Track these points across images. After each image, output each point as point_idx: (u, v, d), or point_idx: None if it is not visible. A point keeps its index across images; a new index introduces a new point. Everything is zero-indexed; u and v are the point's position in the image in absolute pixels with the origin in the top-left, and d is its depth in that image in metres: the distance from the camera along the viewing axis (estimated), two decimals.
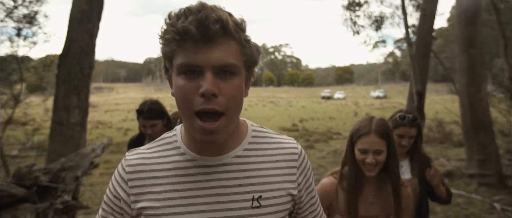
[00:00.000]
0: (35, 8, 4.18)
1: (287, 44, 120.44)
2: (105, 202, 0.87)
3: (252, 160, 0.85)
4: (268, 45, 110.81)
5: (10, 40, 4.22)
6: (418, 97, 6.86)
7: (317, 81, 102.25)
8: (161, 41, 0.73)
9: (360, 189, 1.52)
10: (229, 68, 0.72)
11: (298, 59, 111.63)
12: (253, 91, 65.92)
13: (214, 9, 0.70)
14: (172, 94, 0.78)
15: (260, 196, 0.82)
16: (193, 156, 0.82)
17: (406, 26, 8.07)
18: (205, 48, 0.69)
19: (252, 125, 0.89)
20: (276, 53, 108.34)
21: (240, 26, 0.73)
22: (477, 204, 5.08)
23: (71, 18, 4.02)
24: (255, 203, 0.81)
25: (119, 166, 0.86)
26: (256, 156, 0.85)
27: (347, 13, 9.02)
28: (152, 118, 2.34)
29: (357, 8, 10.31)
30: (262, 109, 27.81)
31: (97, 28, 4.17)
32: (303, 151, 0.91)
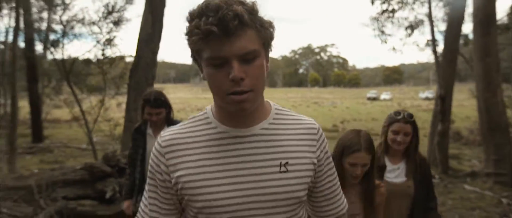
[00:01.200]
0: (114, 34, 5.38)
1: (333, 45, 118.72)
2: (150, 178, 0.98)
3: (277, 132, 0.94)
4: (314, 45, 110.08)
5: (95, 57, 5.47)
6: (441, 101, 7.39)
7: (364, 82, 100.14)
8: (187, 39, 0.83)
9: (344, 191, 1.88)
10: (251, 54, 0.81)
11: (344, 60, 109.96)
12: (298, 92, 65.98)
13: (230, 3, 0.78)
14: (203, 79, 0.89)
15: (287, 162, 0.91)
16: (224, 128, 0.92)
17: (433, 34, 8.57)
18: (228, 42, 0.78)
19: (274, 105, 1.00)
20: (322, 54, 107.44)
21: (253, 13, 0.82)
22: (486, 199, 5.59)
23: (139, 40, 5.17)
24: (283, 169, 0.90)
25: (156, 144, 0.96)
26: (280, 129, 0.95)
27: (375, 24, 9.58)
28: (158, 106, 2.58)
29: (391, 14, 10.82)
30: (305, 110, 28.20)
31: (158, 47, 5.29)
32: (321, 129, 1.01)
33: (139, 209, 1.03)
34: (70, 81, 5.07)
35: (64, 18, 5.00)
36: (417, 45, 10.64)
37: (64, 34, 5.08)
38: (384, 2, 10.49)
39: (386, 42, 9.47)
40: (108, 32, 5.33)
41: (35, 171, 5.58)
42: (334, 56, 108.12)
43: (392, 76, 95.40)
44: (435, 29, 8.55)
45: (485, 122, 6.38)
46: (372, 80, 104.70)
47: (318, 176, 0.99)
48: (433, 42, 8.26)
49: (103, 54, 5.28)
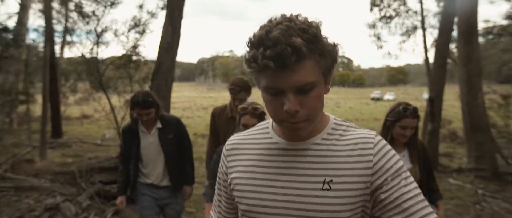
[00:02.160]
0: (139, 42, 6.15)
1: (337, 44, 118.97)
2: (218, 177, 1.07)
3: (328, 147, 0.91)
4: None
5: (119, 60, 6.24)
6: (430, 103, 8.08)
7: (369, 82, 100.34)
8: (246, 66, 0.83)
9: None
10: (307, 86, 0.80)
11: (349, 60, 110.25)
12: None
13: (289, 34, 0.75)
14: (262, 97, 0.88)
15: (331, 180, 0.86)
16: (278, 140, 0.95)
17: (425, 41, 9.25)
18: (284, 75, 0.77)
19: (334, 119, 0.97)
20: None
21: (315, 41, 0.78)
22: (465, 191, 6.27)
23: (160, 48, 5.94)
24: (326, 186, 0.86)
25: (224, 147, 1.05)
26: (332, 144, 0.91)
27: (371, 31, 10.29)
28: (147, 107, 2.60)
29: (388, 20, 11.52)
30: None
31: (176, 53, 6.05)
32: (383, 141, 0.91)
33: (213, 203, 1.13)
34: (102, 84, 5.83)
35: (99, 29, 5.78)
36: (413, 50, 11.34)
37: (98, 42, 5.86)
38: (381, 10, 11.21)
39: (381, 47, 10.15)
40: (134, 41, 6.11)
41: (69, 161, 6.36)
42: (339, 56, 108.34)
43: (397, 76, 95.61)
44: (429, 35, 9.23)
45: (467, 122, 7.08)
46: (377, 80, 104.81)
47: (381, 192, 0.85)
48: (424, 48, 8.95)
49: (129, 60, 6.04)
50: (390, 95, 47.98)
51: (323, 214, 0.85)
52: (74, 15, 6.27)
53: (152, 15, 6.11)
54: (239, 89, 2.96)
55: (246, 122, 2.08)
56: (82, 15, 5.93)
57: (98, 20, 5.80)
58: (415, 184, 0.87)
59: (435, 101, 8.13)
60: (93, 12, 5.93)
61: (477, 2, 6.77)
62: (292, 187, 0.88)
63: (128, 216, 4.19)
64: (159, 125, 2.73)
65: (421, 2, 8.98)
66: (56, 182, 4.57)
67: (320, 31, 0.80)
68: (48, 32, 9.58)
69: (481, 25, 7.83)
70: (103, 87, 5.90)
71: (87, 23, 5.93)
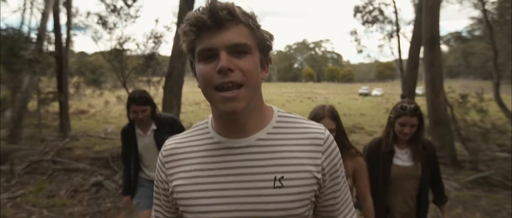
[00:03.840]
0: (155, 51, 7.23)
1: (328, 40, 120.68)
2: (155, 186, 1.00)
3: (275, 142, 0.88)
4: (309, 40, 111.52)
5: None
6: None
7: (358, 77, 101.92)
8: (183, 38, 0.84)
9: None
10: (241, 47, 0.80)
11: (338, 55, 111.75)
12: (292, 87, 67.43)
13: (226, 1, 0.81)
14: (198, 87, 0.86)
15: (282, 177, 0.84)
16: (219, 139, 0.89)
17: (399, 47, 10.51)
18: (218, 33, 0.79)
19: (278, 111, 0.94)
20: (317, 49, 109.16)
21: (247, 14, 0.83)
22: None
23: (172, 55, 7.04)
24: (277, 183, 0.84)
25: (159, 154, 0.98)
26: (279, 139, 0.88)
27: (353, 37, 11.52)
28: (142, 103, 2.63)
29: (370, 25, 12.76)
30: (299, 105, 29.63)
31: (186, 59, 7.19)
32: (331, 137, 0.91)
33: (152, 214, 1.06)
34: (126, 84, 6.88)
35: (121, 40, 6.83)
36: (392, 52, 12.61)
37: (122, 50, 6.92)
38: (363, 16, 12.46)
39: (361, 51, 11.37)
40: (151, 50, 7.19)
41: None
42: (329, 52, 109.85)
43: (385, 72, 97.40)
44: (405, 40, 10.43)
45: (431, 117, 8.35)
46: (366, 76, 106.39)
47: (322, 190, 0.89)
48: (398, 53, 10.20)
49: (147, 66, 7.11)
50: (377, 91, 48.48)
51: (276, 213, 0.83)
52: (95, 25, 7.28)
53: (168, 29, 7.21)
54: None
55: None
56: (105, 26, 6.98)
57: (122, 31, 6.89)
58: (346, 184, 0.95)
59: (407, 99, 9.39)
60: (114, 25, 7.01)
61: (439, 16, 8.00)
62: (241, 187, 0.85)
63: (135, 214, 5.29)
64: (154, 127, 2.77)
65: (396, 13, 10.20)
66: (94, 165, 5.68)
67: (254, 13, 0.85)
68: (58, 35, 10.59)
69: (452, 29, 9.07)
70: (125, 86, 6.95)
71: (109, 33, 6.99)
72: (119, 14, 6.92)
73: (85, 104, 23.49)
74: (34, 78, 8.45)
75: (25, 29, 9.41)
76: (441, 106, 8.15)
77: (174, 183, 0.91)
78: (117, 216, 4.23)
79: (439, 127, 8.18)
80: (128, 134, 2.81)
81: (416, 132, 2.11)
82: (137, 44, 6.89)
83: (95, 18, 7.11)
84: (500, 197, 5.59)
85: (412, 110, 2.07)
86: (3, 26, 7.51)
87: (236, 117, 0.84)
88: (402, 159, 2.16)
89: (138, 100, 2.63)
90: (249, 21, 0.83)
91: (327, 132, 0.92)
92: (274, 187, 0.84)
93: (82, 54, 25.06)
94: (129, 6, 6.89)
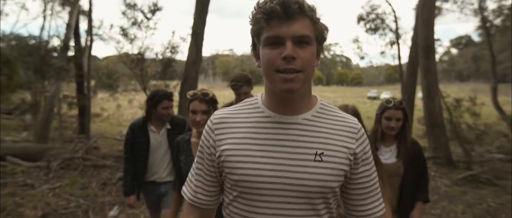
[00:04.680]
0: (173, 57, 7.95)
1: (336, 44, 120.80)
2: (199, 151, 1.09)
3: (318, 124, 1.00)
4: None
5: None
6: None
7: (367, 81, 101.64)
8: (251, 22, 0.95)
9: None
10: (304, 38, 0.90)
11: (347, 58, 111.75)
12: None
13: None
14: (258, 66, 0.98)
15: (322, 153, 0.96)
16: (270, 114, 1.00)
17: (399, 53, 11.08)
18: (286, 23, 0.89)
19: (321, 100, 1.06)
20: (326, 53, 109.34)
21: (312, 8, 0.93)
22: None
23: (187, 62, 7.75)
24: (317, 158, 0.95)
25: (208, 121, 1.07)
26: (321, 122, 1.00)
27: (355, 45, 12.12)
28: (172, 99, 2.82)
29: (373, 32, 13.35)
30: None
31: (200, 66, 7.86)
32: (363, 129, 1.04)
33: (187, 179, 1.15)
34: (146, 90, 7.61)
35: (142, 50, 7.58)
36: (394, 58, 13.14)
37: (143, 59, 7.68)
38: (367, 23, 13.05)
39: (363, 58, 11.96)
40: (168, 60, 7.93)
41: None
42: (338, 55, 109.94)
43: (395, 75, 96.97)
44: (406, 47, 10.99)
45: (427, 120, 8.91)
46: (375, 79, 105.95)
47: (353, 172, 1.01)
48: (398, 60, 10.77)
49: (164, 73, 7.85)
50: (386, 94, 48.40)
51: (314, 183, 0.94)
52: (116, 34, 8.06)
53: (183, 39, 7.94)
54: (241, 83, 2.96)
55: (194, 107, 2.07)
56: (127, 37, 7.74)
57: (143, 42, 7.66)
58: (375, 174, 1.06)
59: (407, 103, 9.95)
60: (135, 36, 7.76)
61: (433, 26, 8.58)
62: (285, 157, 0.95)
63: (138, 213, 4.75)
64: (168, 126, 2.83)
65: (396, 22, 10.78)
66: (118, 162, 6.40)
67: (315, 7, 0.95)
68: (78, 44, 11.40)
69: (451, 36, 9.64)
70: (146, 91, 7.68)
71: (131, 43, 7.75)
72: (139, 26, 7.68)
73: (98, 107, 24.37)
74: (60, 84, 9.24)
75: (45, 34, 10.23)
76: (436, 110, 8.70)
77: (223, 147, 1.00)
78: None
79: (434, 129, 8.73)
80: (140, 131, 2.79)
81: (402, 127, 2.18)
82: (156, 54, 7.65)
83: (118, 30, 7.88)
84: (484, 192, 6.14)
85: (396, 103, 2.17)
86: (26, 34, 8.28)
87: (291, 96, 0.95)
88: (385, 156, 2.22)
89: (171, 96, 2.81)
90: (313, 15, 0.93)
91: (359, 124, 1.04)
92: (315, 161, 0.95)
93: (94, 58, 26.00)
94: (148, 19, 7.65)
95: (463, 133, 9.42)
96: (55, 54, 8.33)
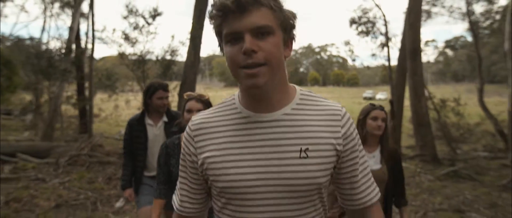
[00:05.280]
0: (173, 59, 8.38)
1: (333, 44, 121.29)
2: (182, 159, 1.06)
3: (299, 117, 0.95)
4: (314, 45, 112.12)
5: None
6: (391, 104, 10.39)
7: (363, 81, 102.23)
8: (211, 22, 0.92)
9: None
10: (263, 29, 0.86)
11: (344, 59, 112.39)
12: None
13: None
14: (227, 66, 0.93)
15: (307, 148, 0.92)
16: (247, 113, 0.96)
17: (388, 56, 11.56)
18: (242, 17, 0.86)
19: (300, 89, 1.02)
20: (322, 53, 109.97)
21: None
22: (410, 170, 8.45)
23: (186, 65, 8.18)
24: (303, 154, 0.92)
25: (187, 128, 1.04)
26: (303, 114, 0.96)
27: (346, 47, 12.55)
28: (167, 90, 2.78)
29: (365, 35, 13.82)
30: None
31: (198, 69, 8.30)
32: (348, 114, 1.00)
33: (176, 187, 1.12)
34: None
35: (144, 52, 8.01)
36: (386, 60, 13.62)
37: (144, 61, 8.12)
38: (359, 26, 13.53)
39: (354, 60, 12.42)
40: (168, 62, 8.37)
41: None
42: (334, 56, 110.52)
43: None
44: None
45: (414, 119, 9.39)
46: (371, 79, 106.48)
47: (342, 161, 0.98)
48: (388, 62, 11.25)
49: (164, 75, 8.28)
50: (381, 95, 47.98)
51: (302, 181, 0.91)
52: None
53: (183, 44, 8.38)
54: None
55: (190, 106, 2.09)
56: (129, 41, 8.17)
57: (144, 46, 8.10)
58: (365, 158, 1.04)
59: (396, 103, 10.42)
60: (136, 39, 8.18)
61: (419, 31, 9.06)
62: (269, 158, 0.92)
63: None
64: (165, 119, 2.83)
65: (386, 26, 11.25)
66: (122, 159, 6.82)
67: None
68: (78, 47, 11.80)
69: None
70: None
71: (132, 46, 8.18)
72: (140, 31, 8.11)
73: (96, 108, 24.64)
74: (64, 86, 9.65)
75: (46, 36, 10.57)
76: (422, 110, 9.18)
77: (204, 155, 0.97)
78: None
79: (421, 128, 9.20)
80: (138, 125, 2.82)
81: (383, 133, 2.23)
82: (157, 57, 8.07)
83: (120, 34, 8.31)
84: (463, 186, 6.61)
85: (379, 105, 2.27)
86: (26, 35, 8.66)
87: (258, 92, 0.91)
88: (370, 162, 2.21)
89: (165, 86, 2.78)
90: (271, 3, 0.88)
91: (344, 109, 1.00)
92: (300, 157, 0.91)
93: (90, 58, 26.34)
94: (149, 24, 8.07)
95: (449, 131, 9.90)
96: (59, 57, 8.72)
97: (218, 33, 0.93)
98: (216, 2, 0.88)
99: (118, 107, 24.27)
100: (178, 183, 1.10)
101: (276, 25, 0.89)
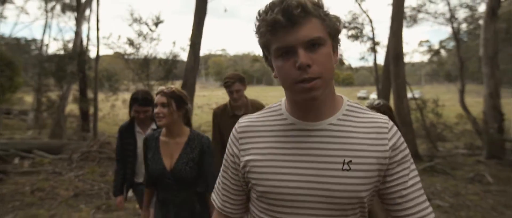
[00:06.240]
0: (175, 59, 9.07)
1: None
2: (225, 159, 1.07)
3: (345, 128, 0.94)
4: None
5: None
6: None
7: (359, 81, 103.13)
8: (257, 36, 0.90)
9: None
10: (315, 41, 0.85)
11: (340, 59, 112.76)
12: None
13: None
14: (275, 77, 0.93)
15: (350, 161, 0.90)
16: (293, 121, 0.96)
17: (375, 59, 12.33)
18: (293, 31, 0.83)
19: (348, 100, 1.00)
20: None
21: (317, 4, 0.87)
22: None
23: (186, 69, 8.88)
24: (345, 167, 0.89)
25: (233, 129, 1.05)
26: (349, 126, 0.94)
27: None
28: (145, 105, 2.66)
29: (354, 39, 14.59)
30: None
31: (197, 73, 8.99)
32: (395, 127, 0.97)
33: (215, 186, 1.12)
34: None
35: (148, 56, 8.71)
36: (375, 63, 14.40)
37: (147, 63, 8.81)
38: (349, 30, 14.29)
39: (344, 63, 13.19)
40: (170, 65, 9.07)
41: None
42: None
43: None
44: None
45: (397, 119, 10.16)
46: (367, 79, 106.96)
47: (388, 174, 0.94)
48: (375, 66, 12.00)
49: (166, 77, 8.98)
50: (375, 95, 49.33)
51: (343, 194, 0.89)
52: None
53: (183, 49, 9.07)
54: (234, 80, 2.91)
55: (156, 101, 2.03)
56: (132, 45, 8.85)
57: (148, 51, 8.81)
58: (416, 173, 0.96)
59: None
60: (140, 44, 8.86)
61: (402, 37, 9.81)
62: (311, 167, 0.91)
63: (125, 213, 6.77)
64: (154, 126, 2.78)
65: (373, 32, 12.01)
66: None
67: (321, 1, 0.89)
68: (81, 50, 12.43)
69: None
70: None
71: (137, 51, 8.86)
72: (144, 37, 8.79)
73: (92, 108, 25.01)
74: (71, 87, 10.31)
75: (47, 37, 11.15)
76: (404, 110, 9.94)
77: (247, 157, 0.98)
78: None
79: (403, 127, 9.95)
80: (127, 132, 2.79)
81: None
82: (159, 61, 8.77)
83: (125, 39, 8.99)
84: (436, 179, 7.36)
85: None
86: (29, 37, 9.31)
87: (315, 103, 0.91)
88: None
89: (141, 101, 2.68)
90: (320, 13, 0.87)
91: (391, 122, 0.97)
92: (343, 170, 0.89)
93: (89, 59, 26.91)
94: (152, 31, 8.76)
95: (429, 130, 10.67)
96: (69, 60, 9.38)
97: (265, 47, 0.92)
98: (265, 17, 0.86)
99: (115, 107, 24.85)
100: (219, 182, 1.11)
101: (326, 34, 0.88)
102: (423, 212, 0.95)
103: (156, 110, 2.00)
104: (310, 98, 0.87)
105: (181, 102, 2.06)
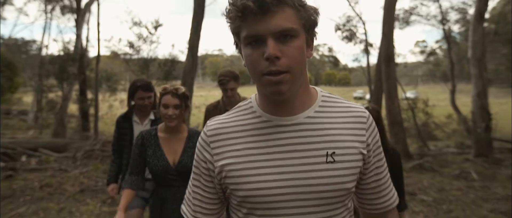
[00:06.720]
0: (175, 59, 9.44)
1: (325, 44, 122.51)
2: (195, 166, 0.99)
3: (324, 120, 0.91)
4: None
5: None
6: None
7: (355, 81, 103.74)
8: (227, 20, 0.85)
9: None
10: (287, 32, 0.80)
11: (336, 59, 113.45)
12: None
13: None
14: (244, 66, 0.88)
15: (334, 152, 0.88)
16: (268, 117, 0.91)
17: (368, 61, 12.70)
18: (264, 19, 0.78)
19: (321, 91, 0.97)
20: (314, 53, 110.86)
21: None
22: None
23: (184, 71, 9.21)
24: (329, 159, 0.87)
25: (202, 133, 0.97)
26: (327, 117, 0.92)
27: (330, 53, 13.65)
28: (148, 90, 2.71)
29: (348, 41, 14.96)
30: None
31: (195, 75, 9.33)
32: (371, 117, 0.96)
33: (185, 196, 1.03)
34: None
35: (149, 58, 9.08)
36: (368, 64, 14.78)
37: (147, 65, 9.16)
38: (343, 32, 14.66)
39: (338, 65, 13.53)
40: (169, 67, 9.41)
41: None
42: (326, 56, 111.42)
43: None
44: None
45: (388, 118, 10.53)
46: (363, 79, 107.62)
47: (366, 167, 0.95)
48: (367, 67, 12.37)
49: (166, 78, 9.32)
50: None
51: (330, 187, 0.87)
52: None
53: (182, 52, 9.40)
54: (229, 79, 2.92)
55: (166, 101, 2.03)
56: (133, 48, 9.19)
57: (150, 54, 9.14)
58: (385, 162, 1.00)
59: (375, 104, 11.53)
60: (140, 47, 9.20)
61: (393, 39, 10.18)
62: (293, 164, 0.87)
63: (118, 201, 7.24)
64: (152, 117, 2.79)
65: (365, 34, 12.39)
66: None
67: None
68: (82, 52, 12.73)
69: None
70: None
71: (137, 53, 9.19)
72: (144, 40, 9.12)
73: (93, 108, 25.30)
74: (73, 88, 10.62)
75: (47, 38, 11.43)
76: (395, 110, 10.31)
77: (222, 162, 0.91)
78: None
79: (394, 127, 10.32)
80: (124, 123, 2.81)
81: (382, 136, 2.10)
82: (159, 64, 9.11)
83: (125, 42, 9.31)
84: (424, 176, 7.73)
85: (370, 110, 2.16)
86: (28, 38, 9.63)
87: (282, 98, 0.86)
88: None
89: (145, 86, 2.72)
90: (295, 3, 0.82)
91: (367, 111, 0.97)
92: (327, 162, 0.87)
93: (88, 58, 27.24)
94: (152, 34, 9.09)
95: (419, 129, 11.06)
96: (72, 62, 9.69)
97: (236, 33, 0.88)
98: (235, 1, 0.82)
99: (112, 107, 25.13)
100: (189, 191, 1.03)
101: (300, 26, 0.84)
102: (392, 199, 1.03)
103: (168, 112, 2.01)
104: (277, 92, 0.83)
105: (187, 102, 2.12)
